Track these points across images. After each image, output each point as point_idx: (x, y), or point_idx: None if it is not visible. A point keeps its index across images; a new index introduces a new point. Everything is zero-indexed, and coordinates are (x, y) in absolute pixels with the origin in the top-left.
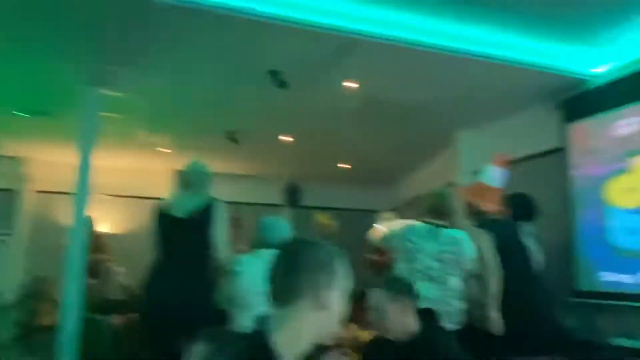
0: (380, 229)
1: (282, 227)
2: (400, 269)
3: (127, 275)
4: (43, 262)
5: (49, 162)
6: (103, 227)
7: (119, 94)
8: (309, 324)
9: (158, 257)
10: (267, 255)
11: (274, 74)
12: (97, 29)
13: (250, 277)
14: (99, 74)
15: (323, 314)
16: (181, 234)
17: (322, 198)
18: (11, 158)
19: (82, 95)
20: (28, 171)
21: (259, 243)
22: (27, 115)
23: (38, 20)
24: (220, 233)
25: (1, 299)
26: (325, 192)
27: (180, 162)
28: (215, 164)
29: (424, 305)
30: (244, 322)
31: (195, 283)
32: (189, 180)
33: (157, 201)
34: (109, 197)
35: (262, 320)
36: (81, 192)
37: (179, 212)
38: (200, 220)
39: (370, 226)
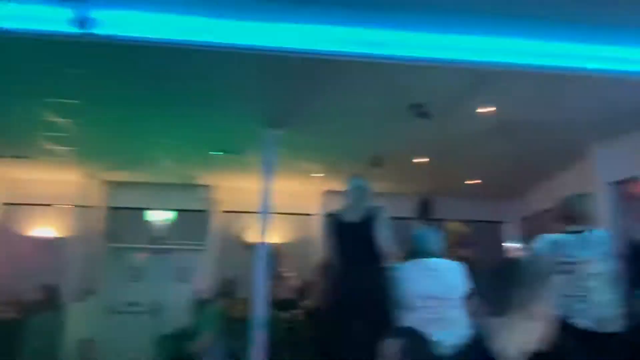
0: (514, 246)
1: (434, 238)
2: (558, 282)
3: (295, 278)
4: (229, 267)
5: (231, 187)
6: (272, 239)
7: (285, 133)
8: (521, 333)
9: (335, 257)
10: (424, 264)
11: (416, 106)
12: (272, 84)
13: (412, 282)
14: (275, 118)
15: (533, 324)
16: (352, 236)
17: (454, 211)
18: (204, 186)
19: (263, 135)
20: (216, 196)
21: (414, 252)
22: (221, 153)
23: (227, 78)
24: (384, 233)
25: (201, 297)
26: (456, 205)
27: (329, 185)
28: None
29: (598, 311)
30: (407, 323)
31: (369, 277)
32: (353, 191)
33: (307, 216)
34: (274, 215)
35: (479, 326)
36: (265, 212)
37: (348, 218)
38: (366, 223)
39: (499, 237)
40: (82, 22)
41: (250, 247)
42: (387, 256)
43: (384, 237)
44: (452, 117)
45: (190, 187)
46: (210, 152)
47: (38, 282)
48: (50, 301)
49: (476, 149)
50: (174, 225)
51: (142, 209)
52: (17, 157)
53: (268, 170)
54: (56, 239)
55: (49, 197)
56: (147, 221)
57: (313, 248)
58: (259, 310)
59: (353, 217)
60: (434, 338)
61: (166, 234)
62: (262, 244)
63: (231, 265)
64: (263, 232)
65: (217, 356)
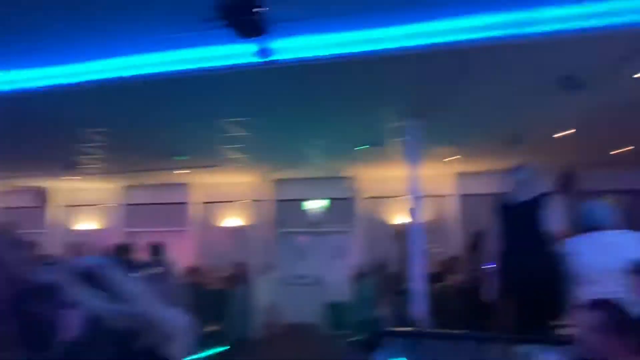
0: None
1: (604, 210)
2: None
3: (440, 253)
4: (376, 245)
5: (371, 177)
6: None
7: (425, 121)
8: None
9: (504, 237)
10: (598, 237)
11: (566, 79)
12: (415, 82)
13: (586, 257)
14: (416, 109)
15: None
16: (520, 217)
17: (598, 182)
18: (348, 177)
19: (405, 126)
20: (359, 185)
21: (585, 227)
22: (366, 147)
23: (371, 81)
24: (553, 216)
25: (358, 271)
26: (601, 176)
27: (463, 167)
28: (495, 163)
29: None
30: (583, 296)
31: (536, 256)
32: (519, 177)
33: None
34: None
35: None
36: (415, 195)
37: (516, 201)
38: (533, 205)
39: None
40: (263, 52)
41: (394, 227)
42: (555, 237)
43: (550, 220)
44: (603, 86)
45: (338, 179)
46: (356, 148)
47: (231, 261)
48: (241, 275)
49: (629, 116)
50: (327, 212)
51: (301, 200)
52: (211, 166)
53: (414, 157)
54: (241, 227)
55: (234, 195)
56: (305, 210)
57: (450, 226)
58: (417, 282)
59: (519, 199)
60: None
61: (321, 219)
62: (414, 223)
63: (378, 243)
64: (415, 213)
65: (392, 322)
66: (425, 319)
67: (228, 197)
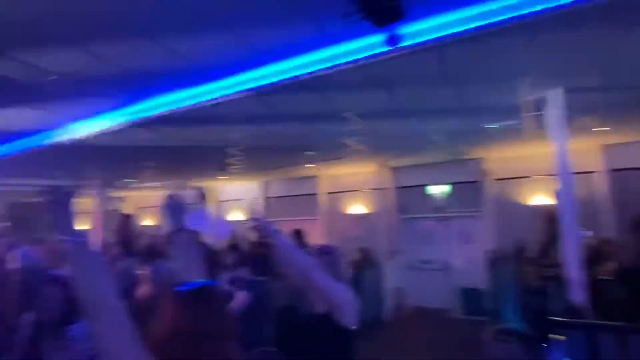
0: None
1: None
2: None
3: (592, 236)
4: (508, 230)
5: (502, 157)
6: (547, 200)
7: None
8: None
9: None
10: None
11: None
12: (553, 48)
13: None
14: (556, 80)
15: None
16: None
17: None
18: (475, 159)
19: (546, 99)
20: (487, 166)
21: None
22: (498, 125)
23: (497, 54)
24: None
25: (494, 257)
26: None
27: (612, 138)
28: None
29: None
30: None
31: None
32: None
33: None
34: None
35: None
36: (563, 173)
37: None
38: None
39: None
40: (392, 40)
41: (531, 209)
42: None
43: None
44: None
45: (463, 161)
46: (486, 126)
47: (357, 246)
48: (367, 260)
49: None
50: (452, 196)
51: (423, 185)
52: (335, 159)
53: (558, 132)
54: (365, 215)
55: (356, 185)
56: (428, 195)
57: (598, 207)
58: (571, 269)
59: None
60: None
61: (446, 204)
62: (565, 204)
63: (510, 227)
64: (562, 194)
65: (545, 311)
66: (587, 309)
67: (351, 186)
